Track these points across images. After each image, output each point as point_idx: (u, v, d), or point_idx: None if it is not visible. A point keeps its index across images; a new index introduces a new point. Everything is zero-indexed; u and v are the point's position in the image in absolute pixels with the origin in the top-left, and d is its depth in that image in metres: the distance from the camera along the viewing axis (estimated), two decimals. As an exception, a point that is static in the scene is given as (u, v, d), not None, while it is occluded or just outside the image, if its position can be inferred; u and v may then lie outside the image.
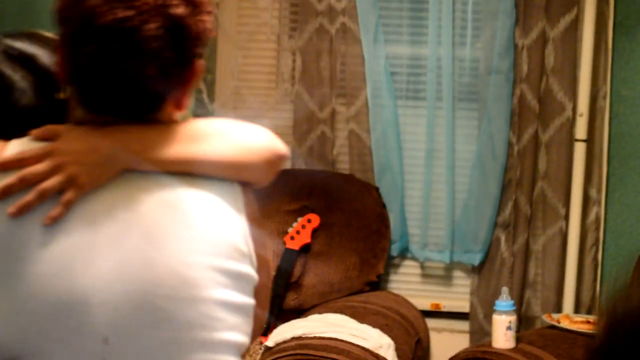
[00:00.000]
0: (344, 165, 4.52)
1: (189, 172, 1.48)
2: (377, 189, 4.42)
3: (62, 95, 1.62)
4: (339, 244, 4.27)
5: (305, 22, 4.48)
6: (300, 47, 4.49)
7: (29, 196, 1.39)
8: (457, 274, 4.54)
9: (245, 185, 1.56)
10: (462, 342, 4.31)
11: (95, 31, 1.44)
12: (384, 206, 4.40)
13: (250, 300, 1.51)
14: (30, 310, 1.37)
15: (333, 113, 4.48)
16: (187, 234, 1.45)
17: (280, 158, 1.61)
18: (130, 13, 1.42)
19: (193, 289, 1.41)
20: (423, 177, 4.52)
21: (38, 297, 1.37)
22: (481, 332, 4.31)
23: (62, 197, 1.40)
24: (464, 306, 4.44)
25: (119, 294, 1.39)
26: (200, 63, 1.55)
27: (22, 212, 1.39)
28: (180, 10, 1.45)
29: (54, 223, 1.39)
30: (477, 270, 4.42)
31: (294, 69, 4.52)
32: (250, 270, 1.50)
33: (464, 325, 4.41)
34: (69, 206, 1.40)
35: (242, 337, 1.50)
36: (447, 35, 4.40)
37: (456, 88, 4.44)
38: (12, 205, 1.39)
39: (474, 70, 4.49)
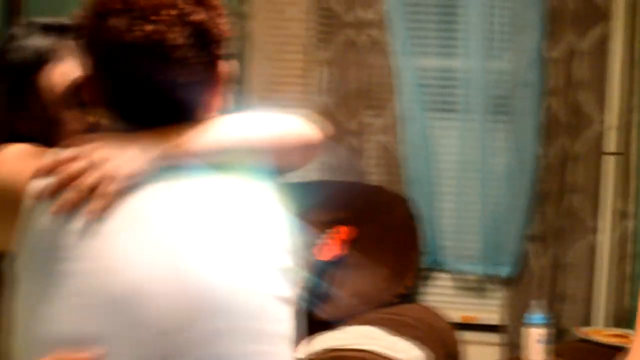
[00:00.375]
0: (373, 177, 4.51)
1: (226, 161, 1.50)
2: (407, 201, 4.41)
3: (92, 119, 1.64)
4: (369, 255, 4.25)
5: (334, 33, 4.49)
6: (328, 59, 4.49)
7: (69, 194, 1.40)
8: (489, 286, 4.53)
9: (281, 171, 1.59)
10: (493, 355, 4.31)
11: (124, 49, 1.46)
12: (414, 218, 4.39)
13: (294, 295, 1.53)
14: (84, 307, 1.38)
15: (362, 125, 4.48)
16: (237, 228, 1.47)
17: (315, 142, 1.63)
18: (153, 27, 1.45)
19: (247, 281, 1.43)
20: (453, 189, 4.52)
21: (90, 293, 1.38)
22: (512, 345, 4.28)
23: (99, 190, 1.41)
24: (495, 319, 4.43)
25: (174, 286, 1.40)
26: (224, 64, 1.57)
27: (63, 209, 1.40)
28: (199, 16, 1.49)
29: (96, 217, 1.40)
30: (508, 283, 4.42)
31: (322, 80, 4.51)
32: (293, 265, 1.54)
33: (496, 338, 4.40)
34: (108, 199, 1.41)
35: (290, 330, 1.52)
36: (477, 47, 4.41)
37: (486, 100, 4.44)
38: (54, 205, 1.41)
39: (503, 83, 4.49)
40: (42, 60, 1.68)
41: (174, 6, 1.48)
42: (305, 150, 1.62)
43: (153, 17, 1.46)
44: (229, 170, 1.50)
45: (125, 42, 1.46)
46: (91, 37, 1.51)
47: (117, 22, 1.46)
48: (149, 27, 1.45)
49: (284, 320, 1.49)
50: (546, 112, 4.41)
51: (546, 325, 3.76)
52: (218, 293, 1.40)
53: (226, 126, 1.52)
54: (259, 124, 1.57)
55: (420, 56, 4.53)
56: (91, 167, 1.41)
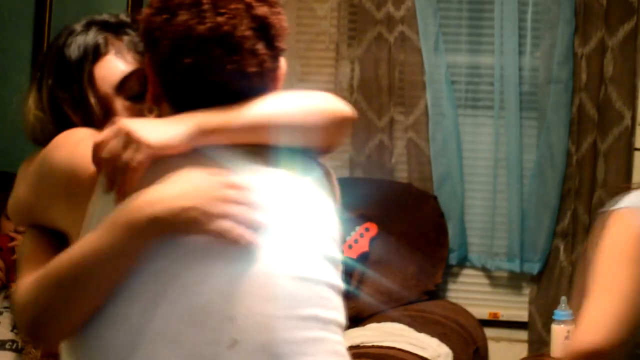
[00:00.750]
0: (402, 174, 4.53)
1: (261, 140, 1.53)
2: (435, 198, 4.43)
3: (152, 115, 1.67)
4: (397, 252, 4.27)
5: (364, 30, 4.51)
6: (358, 55, 4.51)
7: (105, 172, 1.46)
8: (516, 283, 4.53)
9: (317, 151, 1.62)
10: (520, 352, 4.31)
11: (194, 42, 1.49)
12: (442, 215, 4.41)
13: (343, 285, 1.57)
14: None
15: (391, 122, 4.50)
16: (293, 215, 1.51)
17: (347, 118, 1.66)
18: (221, 19, 1.49)
19: (306, 270, 1.48)
20: (483, 186, 4.53)
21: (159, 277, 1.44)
22: (540, 342, 4.29)
23: (124, 164, 1.44)
24: (522, 315, 4.44)
25: (239, 273, 1.44)
26: (284, 60, 1.61)
27: (111, 190, 1.46)
28: (263, 10, 1.53)
29: (124, 195, 1.45)
30: (536, 280, 4.42)
31: (352, 77, 4.53)
32: (341, 256, 1.58)
33: (523, 334, 4.41)
34: (133, 173, 1.45)
35: (343, 318, 1.57)
36: (508, 44, 4.41)
37: (516, 97, 4.43)
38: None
39: (534, 79, 4.49)
40: (98, 53, 1.74)
41: (240, 0, 1.52)
42: (337, 129, 1.65)
43: (222, 10, 1.50)
44: (269, 151, 1.54)
45: (197, 33, 1.50)
46: (157, 31, 1.54)
47: (187, 15, 1.50)
48: (220, 19, 1.50)
49: (339, 309, 1.54)
50: (576, 108, 4.39)
51: (574, 322, 3.75)
52: (278, 280, 1.45)
53: (266, 104, 1.55)
54: (295, 102, 1.60)
55: (451, 53, 4.53)
56: (126, 142, 1.44)
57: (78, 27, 1.80)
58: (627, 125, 4.34)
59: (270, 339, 1.43)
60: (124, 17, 1.86)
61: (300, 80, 4.58)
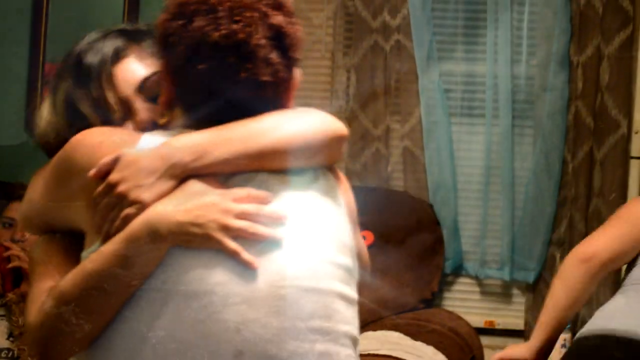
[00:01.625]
0: (398, 182, 4.53)
1: (265, 168, 1.53)
2: (431, 206, 4.43)
3: (163, 121, 1.68)
4: (393, 261, 4.27)
5: (359, 39, 4.51)
6: (354, 64, 4.52)
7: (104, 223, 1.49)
8: (512, 291, 4.53)
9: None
10: (516, 360, 4.30)
11: (208, 48, 1.49)
12: (438, 223, 4.41)
13: (356, 296, 1.56)
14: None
15: (387, 130, 4.50)
16: (302, 228, 1.50)
17: (344, 137, 1.65)
18: (237, 26, 1.48)
19: (314, 280, 1.47)
20: (477, 194, 4.53)
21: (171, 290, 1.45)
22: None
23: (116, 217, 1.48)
24: (518, 323, 4.43)
25: (245, 284, 1.44)
26: (297, 70, 1.60)
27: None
28: (278, 19, 1.52)
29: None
30: (532, 288, 4.42)
31: (348, 86, 4.54)
32: (355, 264, 1.56)
33: (519, 342, 4.39)
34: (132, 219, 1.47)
35: (356, 331, 1.54)
36: (503, 52, 4.41)
37: (511, 105, 4.43)
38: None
39: (529, 88, 4.49)
40: (117, 55, 1.76)
41: (255, 8, 1.51)
42: (335, 147, 1.65)
43: (237, 17, 1.50)
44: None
45: (212, 40, 1.50)
46: (172, 36, 1.54)
47: (203, 22, 1.50)
48: (235, 26, 1.49)
49: (351, 321, 1.53)
50: (572, 116, 4.39)
51: (570, 330, 3.75)
52: (285, 291, 1.44)
53: (271, 130, 1.54)
54: (297, 124, 1.59)
55: (445, 61, 4.53)
56: (110, 197, 1.47)
57: (96, 34, 1.83)
58: (623, 134, 4.35)
59: (277, 351, 1.42)
60: (141, 25, 1.88)
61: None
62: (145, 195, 1.44)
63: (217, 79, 1.51)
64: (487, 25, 4.46)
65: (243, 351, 1.41)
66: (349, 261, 1.52)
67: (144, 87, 1.75)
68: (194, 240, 1.42)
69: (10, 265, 3.76)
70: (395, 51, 4.48)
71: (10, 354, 3.71)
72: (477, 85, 4.53)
